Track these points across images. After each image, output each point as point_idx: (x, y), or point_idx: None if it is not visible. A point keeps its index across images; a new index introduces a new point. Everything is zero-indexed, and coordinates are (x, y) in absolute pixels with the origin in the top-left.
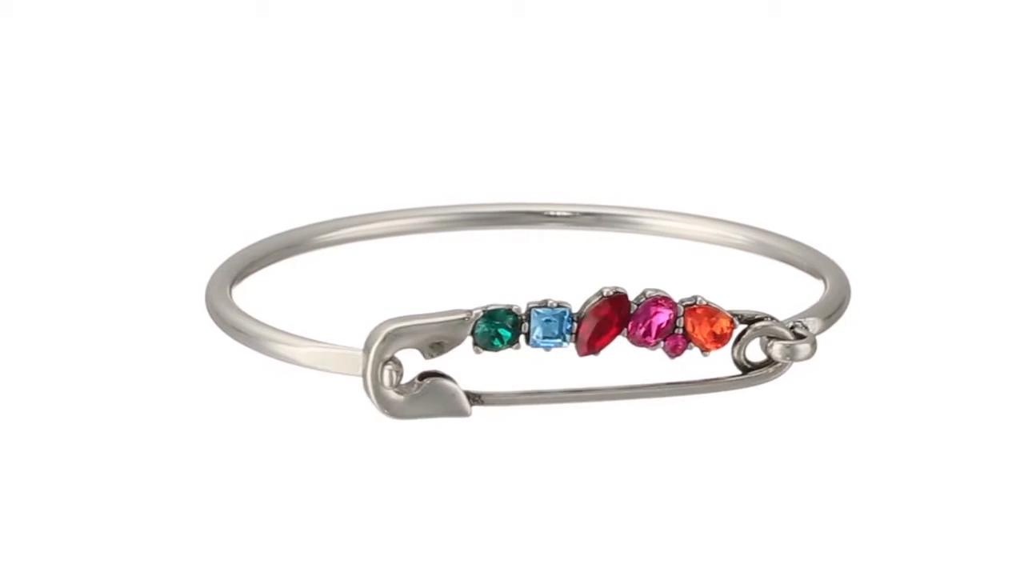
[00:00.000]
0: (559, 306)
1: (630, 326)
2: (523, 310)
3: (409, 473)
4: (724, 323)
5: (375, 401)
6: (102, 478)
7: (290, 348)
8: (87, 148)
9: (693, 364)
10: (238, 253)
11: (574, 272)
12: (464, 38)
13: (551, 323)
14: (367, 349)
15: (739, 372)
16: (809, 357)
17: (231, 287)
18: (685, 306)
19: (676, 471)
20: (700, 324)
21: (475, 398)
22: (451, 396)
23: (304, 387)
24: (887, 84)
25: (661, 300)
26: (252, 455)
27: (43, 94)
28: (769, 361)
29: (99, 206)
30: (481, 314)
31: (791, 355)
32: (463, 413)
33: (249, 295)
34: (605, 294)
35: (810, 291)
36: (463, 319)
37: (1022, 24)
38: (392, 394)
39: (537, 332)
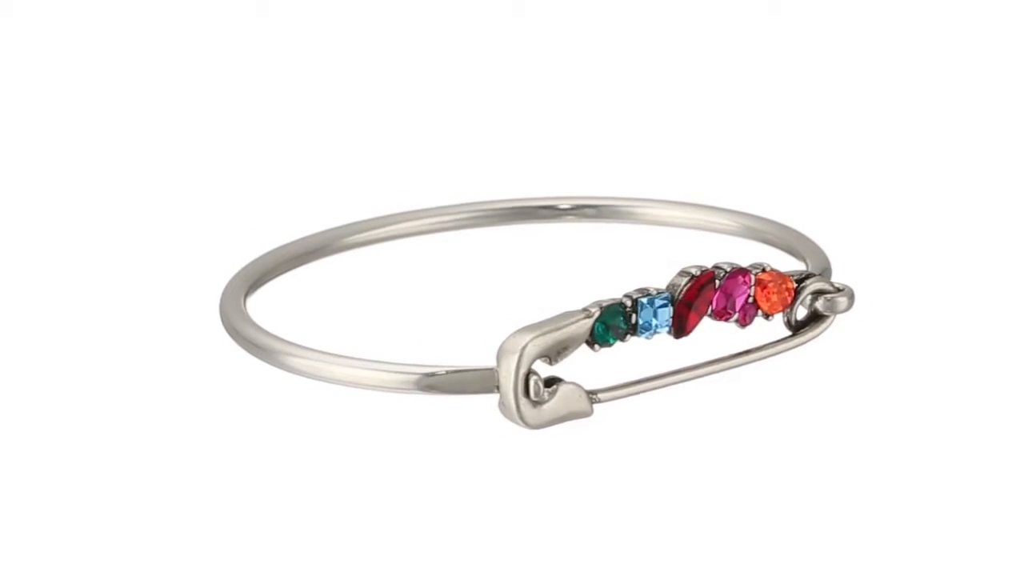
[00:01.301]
0: (659, 293)
1: (715, 301)
2: (628, 302)
3: (527, 482)
4: (791, 285)
5: (520, 416)
6: (116, 497)
7: (402, 376)
8: (91, 153)
9: (726, 335)
10: (248, 265)
11: (596, 263)
12: (448, 42)
13: (656, 310)
14: (506, 364)
15: (789, 333)
16: (848, 309)
17: (245, 298)
18: (755, 274)
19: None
20: (770, 290)
21: (592, 396)
22: (578, 398)
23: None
24: (867, 76)
25: (740, 272)
26: (312, 480)
27: (50, 99)
28: (813, 317)
29: (109, 215)
30: (598, 312)
31: (832, 308)
32: (587, 413)
33: (263, 306)
34: (694, 274)
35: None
36: (586, 318)
37: (989, 16)
38: (532, 406)
39: (644, 321)
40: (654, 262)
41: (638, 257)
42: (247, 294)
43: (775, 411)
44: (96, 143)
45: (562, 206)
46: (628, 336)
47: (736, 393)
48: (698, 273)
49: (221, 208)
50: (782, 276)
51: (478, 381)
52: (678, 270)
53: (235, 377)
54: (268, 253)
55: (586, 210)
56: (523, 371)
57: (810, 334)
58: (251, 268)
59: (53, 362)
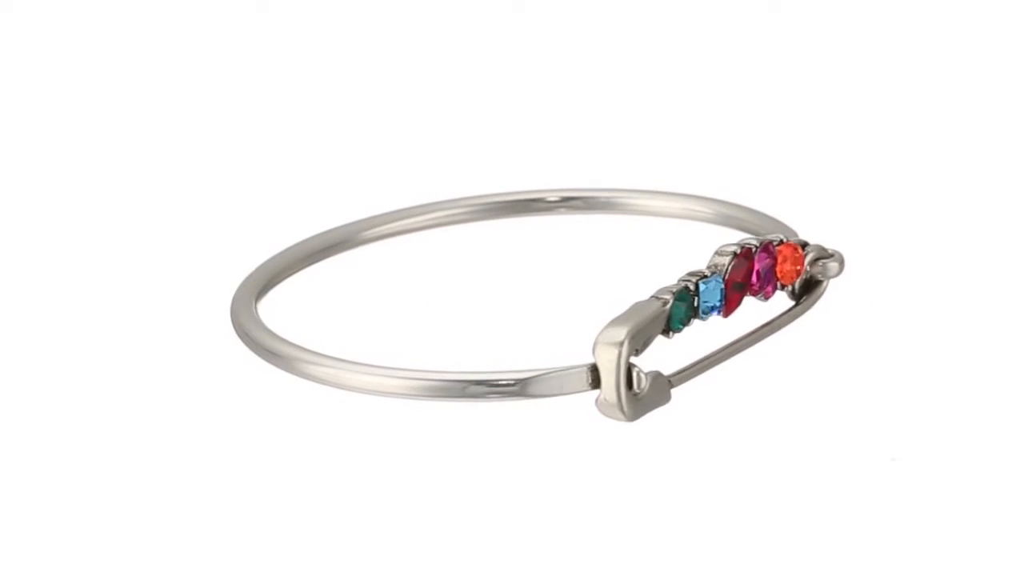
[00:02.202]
0: (713, 274)
1: (755, 276)
2: (691, 286)
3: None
4: (801, 254)
5: (625, 410)
6: (126, 508)
7: (487, 388)
8: (95, 155)
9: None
10: (252, 273)
11: (594, 255)
12: (436, 40)
13: (713, 291)
14: (609, 358)
15: (793, 302)
16: (839, 273)
17: (256, 303)
18: (776, 247)
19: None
20: (788, 261)
21: (668, 383)
22: (663, 387)
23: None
24: (844, 66)
25: (769, 245)
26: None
27: (54, 101)
28: (810, 284)
29: (112, 217)
30: (671, 298)
31: (825, 273)
32: (666, 401)
33: (263, 309)
34: (736, 252)
35: None
36: (663, 306)
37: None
38: (633, 399)
39: (706, 303)
40: (648, 251)
41: (631, 247)
42: (257, 298)
43: (798, 377)
44: (101, 144)
45: (551, 199)
46: (691, 319)
47: (748, 368)
48: (739, 251)
49: (214, 210)
50: (796, 247)
51: (575, 380)
52: (715, 250)
53: (251, 384)
54: (262, 264)
55: (575, 202)
56: (624, 364)
57: (812, 300)
58: (253, 276)
59: (59, 369)
